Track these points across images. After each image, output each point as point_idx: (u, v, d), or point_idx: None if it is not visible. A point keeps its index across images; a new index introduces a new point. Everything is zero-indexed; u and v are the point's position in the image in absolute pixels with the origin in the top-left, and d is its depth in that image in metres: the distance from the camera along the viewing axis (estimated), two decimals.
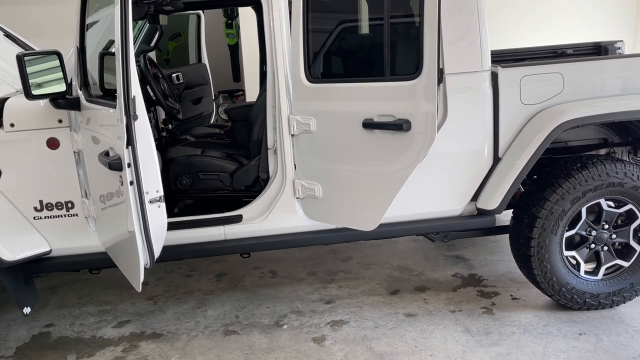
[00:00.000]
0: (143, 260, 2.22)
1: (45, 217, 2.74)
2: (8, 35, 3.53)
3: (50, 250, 2.78)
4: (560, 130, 2.78)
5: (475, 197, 2.98)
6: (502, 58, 3.75)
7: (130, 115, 2.02)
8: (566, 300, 3.02)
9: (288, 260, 3.98)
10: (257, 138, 2.99)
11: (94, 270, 3.02)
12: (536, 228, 2.92)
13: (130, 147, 2.04)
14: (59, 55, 2.41)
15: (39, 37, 4.22)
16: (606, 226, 2.99)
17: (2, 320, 3.28)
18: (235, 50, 7.38)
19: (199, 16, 5.00)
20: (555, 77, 2.88)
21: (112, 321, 3.24)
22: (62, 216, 2.75)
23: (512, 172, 2.85)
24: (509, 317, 3.07)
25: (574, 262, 3.04)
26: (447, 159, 2.89)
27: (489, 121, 2.88)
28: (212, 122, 4.93)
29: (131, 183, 2.09)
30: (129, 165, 2.06)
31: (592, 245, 3.02)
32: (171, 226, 2.82)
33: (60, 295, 3.62)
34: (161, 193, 2.23)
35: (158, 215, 2.25)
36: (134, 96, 2.04)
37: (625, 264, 3.02)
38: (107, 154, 2.16)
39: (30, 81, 2.32)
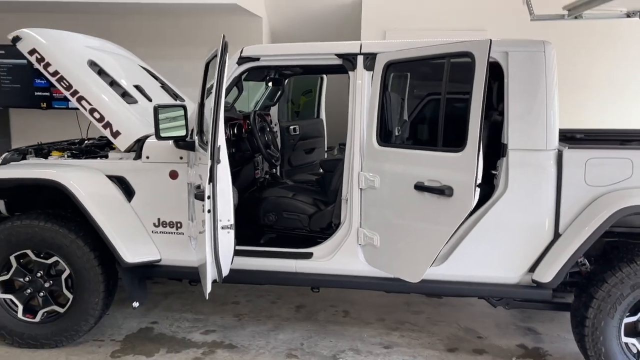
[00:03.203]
0: (211, 274, 2.76)
1: (160, 232, 3.44)
2: (163, 85, 4.46)
3: (160, 259, 3.46)
4: (622, 214, 2.82)
5: (532, 269, 3.08)
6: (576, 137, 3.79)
7: (214, 160, 2.62)
8: None
9: (364, 303, 4.29)
10: (334, 188, 3.45)
11: (192, 282, 3.64)
12: (592, 308, 2.94)
13: (211, 183, 2.63)
14: (184, 108, 3.12)
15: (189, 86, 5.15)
16: None
17: (121, 313, 4.04)
18: None
19: (322, 78, 5.67)
20: (624, 163, 2.93)
21: (202, 328, 3.83)
22: (172, 233, 3.42)
23: (568, 249, 2.93)
24: None
25: (635, 350, 2.97)
26: (506, 228, 3.06)
27: (551, 198, 3.00)
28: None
29: (209, 211, 2.67)
30: (208, 197, 2.65)
31: None
32: (254, 254, 3.38)
33: (169, 300, 4.33)
34: (232, 222, 2.77)
35: (227, 239, 2.79)
36: (219, 146, 2.65)
37: None
38: (198, 187, 2.77)
39: (161, 126, 3.05)
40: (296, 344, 3.62)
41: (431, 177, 2.75)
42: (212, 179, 2.62)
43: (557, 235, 3.03)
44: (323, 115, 5.70)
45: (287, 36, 6.40)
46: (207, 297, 2.88)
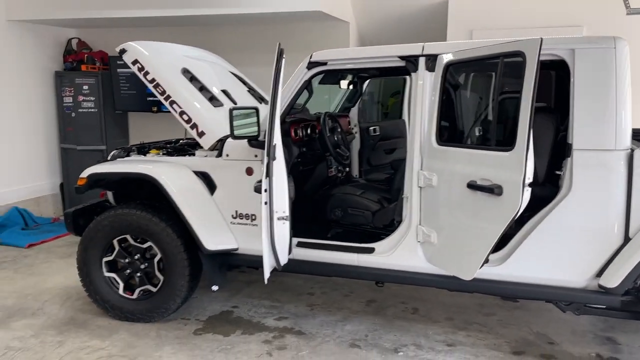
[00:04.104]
0: (268, 262, 3.01)
1: (237, 223, 3.77)
2: (250, 89, 4.83)
3: (238, 248, 3.79)
4: None
5: (600, 273, 2.97)
6: None
7: (270, 156, 2.86)
8: None
9: (435, 302, 4.33)
10: (397, 186, 3.55)
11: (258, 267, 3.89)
12: None
13: (268, 178, 2.87)
14: (256, 110, 3.42)
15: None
16: None
17: (207, 296, 4.45)
18: None
19: (405, 79, 5.74)
20: None
21: (276, 315, 4.12)
22: (248, 224, 3.74)
23: (636, 254, 2.80)
24: None
25: None
26: (570, 230, 2.98)
27: (620, 200, 2.88)
28: None
29: (265, 203, 2.91)
30: (265, 190, 2.89)
31: None
32: (319, 246, 3.59)
33: (252, 288, 4.68)
34: (287, 214, 2.99)
35: (283, 229, 3.02)
36: (275, 144, 2.88)
37: None
38: (259, 181, 3.04)
39: (235, 126, 3.37)
40: (361, 335, 3.78)
41: (483, 176, 2.78)
42: (268, 173, 2.87)
43: (627, 239, 2.90)
44: (405, 117, 5.76)
45: (375, 39, 6.54)
46: (266, 282, 3.14)
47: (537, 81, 2.50)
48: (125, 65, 6.62)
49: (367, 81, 5.06)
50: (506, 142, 2.69)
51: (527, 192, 2.57)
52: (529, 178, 2.56)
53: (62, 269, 5.12)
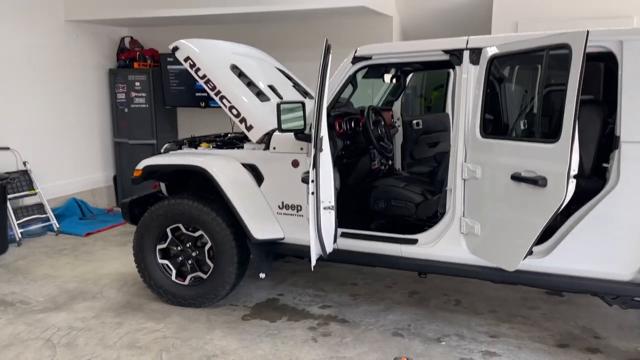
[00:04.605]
0: (315, 250, 3.13)
1: (283, 214, 3.90)
2: (295, 84, 4.95)
3: (284, 238, 3.92)
4: None
5: None
6: None
7: (317, 148, 2.96)
8: None
9: (478, 295, 4.35)
10: (440, 178, 3.60)
11: (303, 256, 4.01)
12: None
13: (315, 169, 2.98)
14: (302, 105, 3.53)
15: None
16: None
17: (254, 285, 4.62)
18: None
19: (448, 73, 5.74)
20: None
21: (320, 303, 4.24)
22: (294, 215, 3.86)
23: None
24: None
25: None
26: (617, 223, 2.97)
27: None
28: None
29: (312, 193, 3.03)
30: (312, 181, 3.00)
31: None
32: (364, 237, 3.69)
33: (296, 277, 4.82)
34: (333, 203, 3.09)
35: (329, 219, 3.12)
36: (322, 136, 2.98)
37: None
38: (306, 172, 3.15)
39: (282, 120, 3.49)
40: (404, 324, 3.85)
41: (527, 168, 2.80)
42: (315, 165, 2.99)
43: None
44: (449, 110, 5.76)
45: (418, 33, 6.55)
46: (312, 269, 3.26)
47: (583, 74, 2.51)
48: (175, 62, 6.94)
49: (411, 75, 5.10)
50: (551, 134, 2.71)
51: (572, 183, 2.59)
52: (574, 170, 2.57)
53: (118, 256, 5.40)
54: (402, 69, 4.74)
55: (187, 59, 4.15)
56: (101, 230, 6.34)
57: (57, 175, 6.74)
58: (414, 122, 5.27)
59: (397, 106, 5.22)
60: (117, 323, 3.91)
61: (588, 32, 2.51)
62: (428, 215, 3.73)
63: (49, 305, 4.24)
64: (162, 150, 4.47)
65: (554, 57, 2.75)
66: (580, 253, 3.05)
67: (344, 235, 3.65)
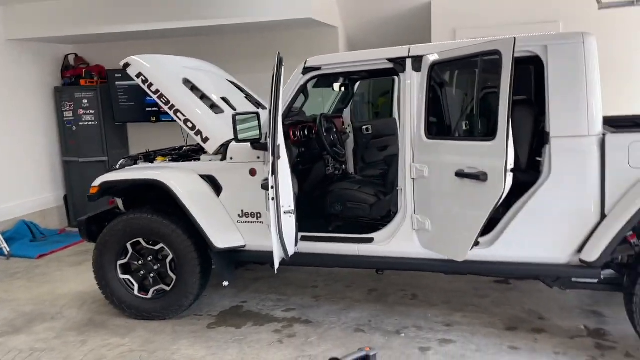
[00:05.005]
0: (278, 253, 3.27)
1: (243, 222, 4.00)
2: (247, 96, 5.08)
3: (245, 245, 4.03)
4: None
5: (581, 249, 3.24)
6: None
7: (275, 156, 3.12)
8: None
9: (434, 287, 4.59)
10: (391, 179, 3.81)
11: (272, 265, 4.15)
12: (639, 285, 3.05)
13: (274, 176, 3.13)
14: (257, 115, 3.66)
15: None
16: None
17: (217, 294, 4.68)
18: None
19: (394, 80, 6.00)
20: None
21: (283, 307, 4.36)
22: (253, 222, 3.98)
23: (613, 228, 3.07)
24: None
25: None
26: (552, 211, 3.25)
27: (595, 181, 3.15)
28: None
29: (272, 199, 3.17)
30: (272, 187, 3.15)
31: None
32: (322, 239, 3.84)
33: (259, 284, 4.92)
34: (293, 208, 3.25)
35: (290, 222, 3.27)
36: (279, 144, 3.14)
37: None
38: (265, 179, 3.29)
39: (238, 131, 3.61)
40: (364, 321, 4.03)
41: (469, 165, 3.04)
42: (274, 171, 3.13)
43: (603, 216, 3.16)
44: (396, 115, 6.01)
45: (363, 42, 6.80)
46: (276, 272, 3.39)
47: (513, 77, 2.77)
48: (124, 78, 6.92)
49: (358, 83, 5.32)
50: (489, 133, 2.96)
51: (510, 177, 2.84)
52: (511, 164, 2.82)
53: (75, 276, 5.34)
54: (350, 78, 4.95)
55: (139, 74, 4.20)
56: (55, 251, 6.22)
57: (4, 197, 6.57)
58: (364, 127, 5.49)
59: (347, 113, 5.42)
60: (80, 341, 3.90)
61: (515, 39, 2.77)
62: (382, 214, 3.93)
63: (6, 330, 4.17)
64: (117, 166, 4.48)
65: (487, 62, 3.01)
66: (522, 241, 3.31)
67: (304, 238, 3.79)
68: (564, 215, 3.22)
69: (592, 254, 3.14)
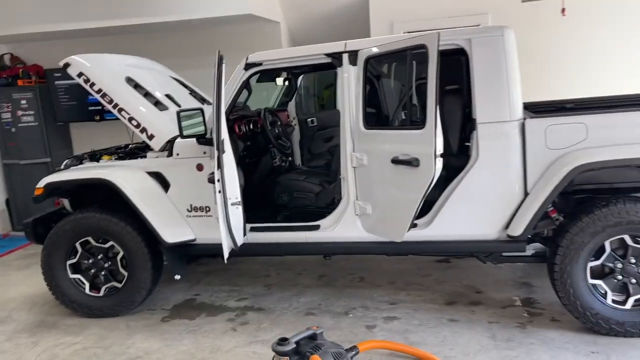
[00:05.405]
0: (227, 243, 3.40)
1: (193, 216, 4.09)
2: (191, 92, 5.14)
3: (195, 239, 4.12)
4: (577, 171, 3.23)
5: (508, 226, 3.53)
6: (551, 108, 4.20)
7: (220, 150, 3.24)
8: (591, 324, 3.36)
9: (379, 270, 4.82)
10: (335, 169, 4.00)
11: (216, 255, 4.24)
12: (559, 255, 3.37)
13: (219, 169, 3.25)
14: (202, 111, 3.76)
15: None
16: (633, 260, 3.28)
17: (170, 288, 4.75)
18: None
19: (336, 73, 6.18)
20: (579, 127, 3.33)
21: (236, 297, 4.49)
22: (202, 216, 4.07)
23: (534, 205, 3.37)
24: (537, 332, 3.51)
25: (602, 290, 3.37)
26: (481, 192, 3.52)
27: (518, 162, 3.44)
28: None
29: (219, 192, 3.30)
30: (218, 180, 3.28)
31: (620, 277, 3.32)
32: (271, 229, 3.99)
33: (211, 277, 5.02)
34: (239, 199, 3.38)
35: (237, 214, 3.41)
36: (223, 139, 3.27)
37: None
38: (211, 173, 3.41)
39: (183, 127, 3.70)
40: (315, 304, 4.22)
41: (404, 152, 3.26)
42: (219, 165, 3.25)
43: (526, 194, 3.46)
44: (340, 106, 6.20)
45: (305, 37, 6.94)
46: (225, 261, 3.52)
47: (439, 68, 2.99)
48: (63, 77, 6.81)
49: (301, 77, 5.47)
50: (419, 121, 3.18)
51: (439, 162, 3.07)
52: (440, 150, 3.05)
53: (22, 280, 5.27)
54: (292, 72, 5.09)
55: (80, 74, 4.20)
56: (0, 256, 6.10)
57: None
58: (309, 119, 5.65)
59: (292, 106, 5.57)
60: (32, 342, 3.90)
61: (439, 33, 3.00)
62: (327, 202, 4.11)
63: None
64: (62, 167, 4.46)
65: (417, 55, 3.22)
66: (455, 220, 3.57)
67: (253, 229, 3.93)
68: (492, 195, 3.50)
69: (517, 229, 3.43)
